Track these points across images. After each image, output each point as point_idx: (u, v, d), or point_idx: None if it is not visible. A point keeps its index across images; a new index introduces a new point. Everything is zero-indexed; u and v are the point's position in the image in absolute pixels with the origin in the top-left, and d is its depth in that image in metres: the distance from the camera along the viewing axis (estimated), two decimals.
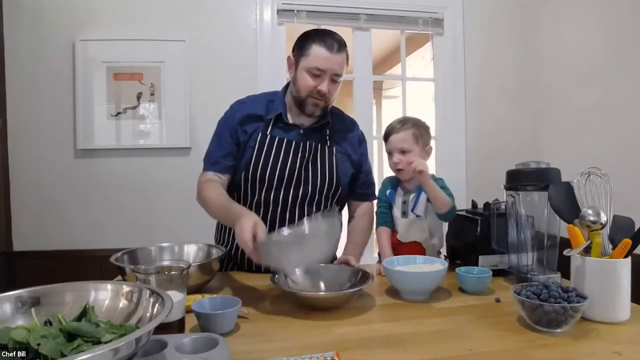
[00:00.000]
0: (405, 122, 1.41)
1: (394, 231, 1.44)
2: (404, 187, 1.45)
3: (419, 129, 1.41)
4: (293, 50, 1.36)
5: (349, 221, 1.53)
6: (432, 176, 1.41)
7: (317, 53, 1.28)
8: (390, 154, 1.42)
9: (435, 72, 2.63)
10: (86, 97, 2.19)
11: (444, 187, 1.36)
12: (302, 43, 1.32)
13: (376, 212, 1.50)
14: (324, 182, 1.38)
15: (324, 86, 1.30)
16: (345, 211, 1.57)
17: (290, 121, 1.38)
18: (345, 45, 1.32)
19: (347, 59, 1.33)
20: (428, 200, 1.37)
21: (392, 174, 1.47)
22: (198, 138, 2.24)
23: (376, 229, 1.48)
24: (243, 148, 1.36)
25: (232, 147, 1.37)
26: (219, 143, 1.38)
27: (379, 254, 1.49)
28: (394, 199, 1.45)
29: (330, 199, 1.42)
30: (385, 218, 1.45)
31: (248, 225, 1.04)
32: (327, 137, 1.41)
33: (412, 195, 1.41)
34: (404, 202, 1.42)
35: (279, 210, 1.36)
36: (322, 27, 2.53)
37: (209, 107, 2.22)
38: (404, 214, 1.41)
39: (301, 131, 1.38)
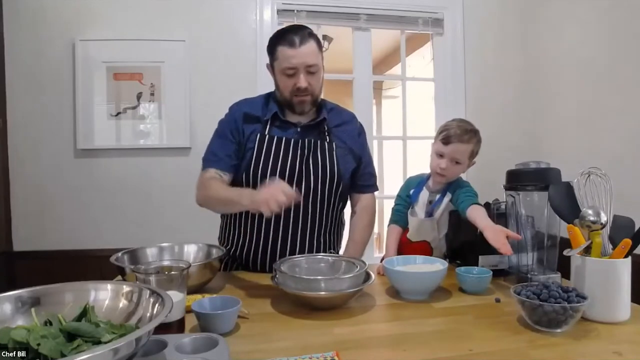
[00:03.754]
0: (472, 136, 1.35)
1: (405, 229, 1.44)
2: (429, 187, 1.43)
3: (477, 145, 1.38)
4: (268, 57, 1.38)
5: (351, 216, 1.53)
6: (459, 179, 1.42)
7: (282, 53, 1.29)
8: (441, 156, 1.36)
9: (435, 72, 2.63)
10: (86, 97, 2.19)
11: (469, 193, 1.33)
12: (270, 47, 1.35)
13: (392, 208, 1.49)
14: (325, 178, 1.38)
15: (301, 81, 1.30)
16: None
17: (288, 119, 1.39)
18: (310, 34, 1.31)
19: (319, 44, 1.33)
20: (450, 200, 1.37)
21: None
22: (198, 138, 2.24)
23: (388, 225, 1.48)
24: (243, 150, 1.37)
25: (235, 147, 1.37)
26: (222, 142, 1.38)
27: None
28: (417, 198, 1.43)
29: (333, 195, 1.41)
30: (400, 216, 1.45)
31: (274, 185, 1.09)
32: (326, 133, 1.41)
33: (437, 196, 1.40)
34: (430, 202, 1.41)
35: (283, 209, 1.36)
36: (322, 27, 2.55)
37: (209, 107, 2.23)
38: (429, 214, 1.39)
39: (298, 129, 1.38)
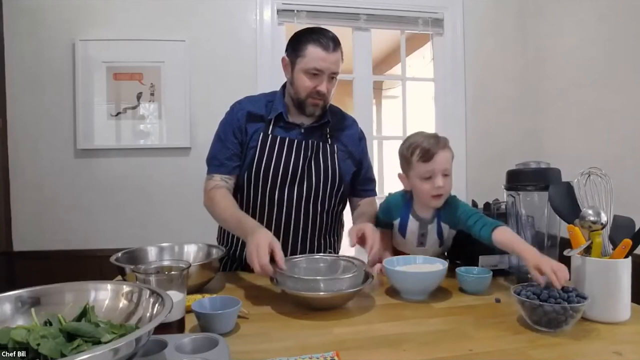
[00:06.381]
0: (445, 140, 1.22)
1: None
2: (417, 215, 1.27)
3: (451, 149, 1.24)
4: (287, 51, 1.36)
5: (353, 214, 1.53)
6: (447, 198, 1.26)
7: (314, 53, 1.27)
8: (429, 177, 1.19)
9: (435, 72, 2.63)
10: (86, 97, 2.19)
11: (477, 214, 1.19)
12: (297, 44, 1.31)
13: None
14: (327, 180, 1.38)
15: (323, 86, 1.30)
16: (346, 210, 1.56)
17: (291, 120, 1.39)
18: (339, 42, 1.32)
19: (342, 55, 1.33)
20: (451, 227, 1.26)
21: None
22: (198, 138, 2.25)
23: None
24: (245, 149, 1.37)
25: (237, 148, 1.37)
26: (222, 144, 1.38)
27: None
28: (406, 231, 1.28)
29: (333, 197, 1.42)
30: (383, 227, 1.33)
31: (264, 242, 1.06)
32: (328, 136, 1.41)
33: (429, 227, 1.26)
34: (422, 235, 1.27)
35: (284, 209, 1.36)
36: (323, 27, 2.53)
37: (209, 107, 2.23)
38: (422, 244, 1.28)
39: (302, 130, 1.38)
